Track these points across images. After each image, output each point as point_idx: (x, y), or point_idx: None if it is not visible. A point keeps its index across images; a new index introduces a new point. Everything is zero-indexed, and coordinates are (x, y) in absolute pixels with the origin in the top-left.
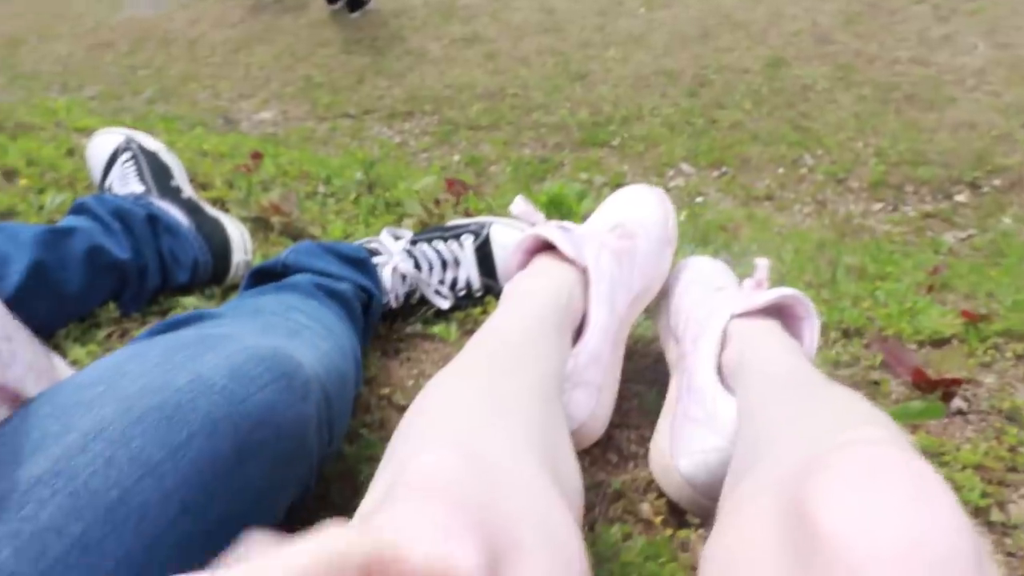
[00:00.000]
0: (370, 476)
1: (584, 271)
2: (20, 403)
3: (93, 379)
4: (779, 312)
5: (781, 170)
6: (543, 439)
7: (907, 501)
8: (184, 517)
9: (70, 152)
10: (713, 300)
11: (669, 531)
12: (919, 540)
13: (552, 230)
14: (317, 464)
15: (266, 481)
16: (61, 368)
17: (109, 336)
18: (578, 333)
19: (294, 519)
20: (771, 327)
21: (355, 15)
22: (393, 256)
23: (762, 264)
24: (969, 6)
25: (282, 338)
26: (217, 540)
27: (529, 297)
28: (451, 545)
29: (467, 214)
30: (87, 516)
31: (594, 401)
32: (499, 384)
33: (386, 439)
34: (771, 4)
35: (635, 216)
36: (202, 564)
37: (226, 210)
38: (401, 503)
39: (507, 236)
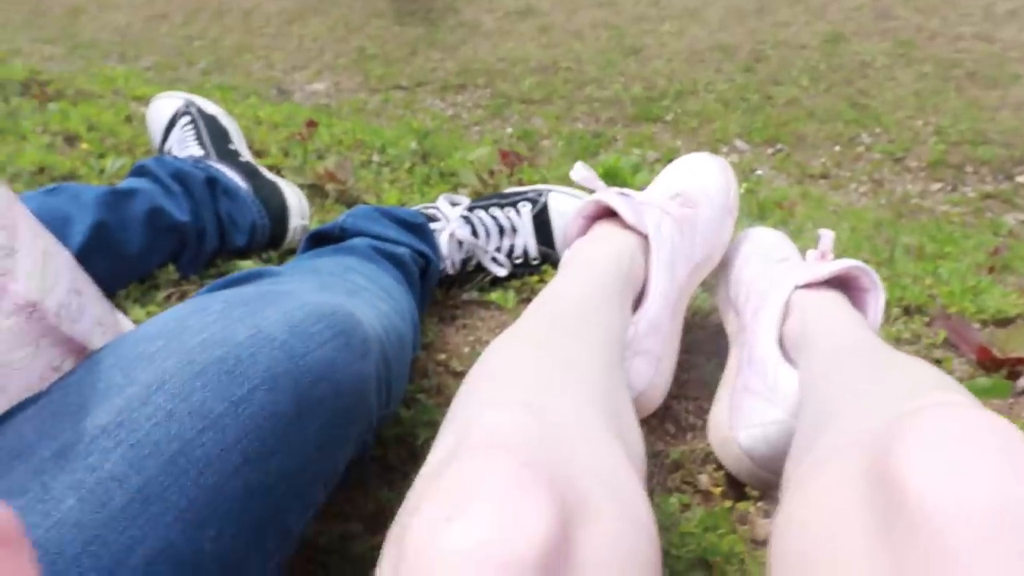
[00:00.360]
0: (428, 440)
1: (645, 238)
2: (86, 355)
3: (155, 332)
4: (843, 284)
5: (837, 148)
6: (607, 402)
7: (994, 461)
8: (244, 469)
9: (128, 119)
10: (775, 271)
11: (728, 503)
12: (1007, 499)
13: (613, 196)
14: (376, 423)
15: (325, 436)
16: (125, 324)
17: (168, 298)
18: (638, 301)
19: (352, 481)
20: (835, 299)
21: None
22: (450, 222)
23: (826, 235)
24: None
25: (341, 296)
26: (276, 493)
27: (590, 263)
28: (523, 500)
29: (520, 184)
30: (149, 467)
31: (653, 370)
32: (563, 347)
33: (443, 404)
34: None
35: (697, 184)
36: (261, 517)
37: (282, 176)
38: (469, 460)
39: (565, 204)
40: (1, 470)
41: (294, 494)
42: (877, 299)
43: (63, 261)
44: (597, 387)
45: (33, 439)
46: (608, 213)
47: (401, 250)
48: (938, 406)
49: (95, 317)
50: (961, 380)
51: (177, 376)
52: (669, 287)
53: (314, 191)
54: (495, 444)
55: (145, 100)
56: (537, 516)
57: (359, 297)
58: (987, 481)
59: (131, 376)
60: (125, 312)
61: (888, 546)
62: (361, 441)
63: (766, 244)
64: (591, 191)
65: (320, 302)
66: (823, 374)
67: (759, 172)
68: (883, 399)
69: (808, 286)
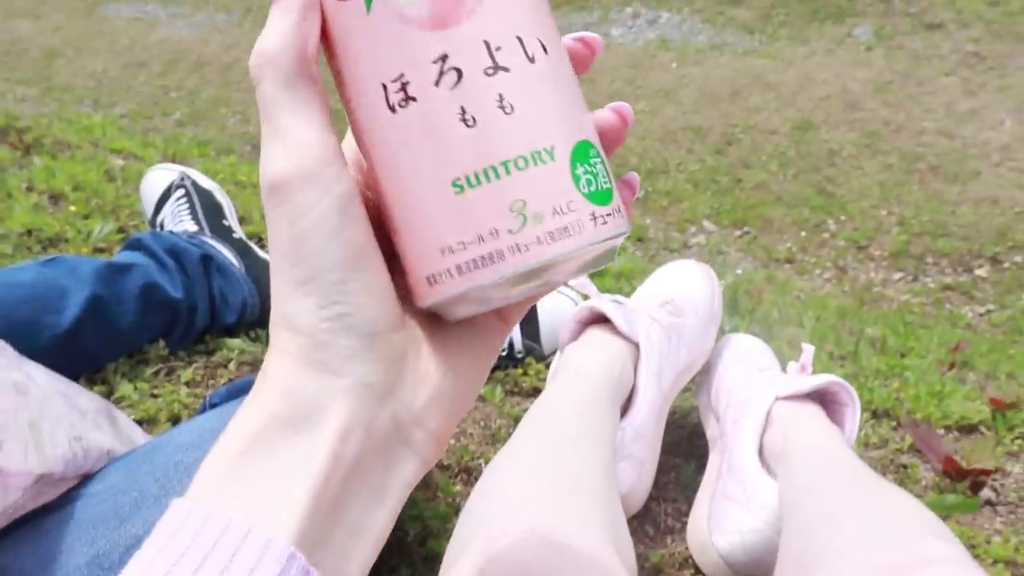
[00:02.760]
0: (416, 535)
1: (635, 345)
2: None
3: (189, 442)
4: (820, 396)
5: (803, 233)
6: (606, 516)
7: None
8: None
9: (109, 175)
10: (755, 381)
11: None
12: None
13: (607, 304)
14: None
15: None
16: (133, 432)
17: (156, 374)
18: (625, 406)
19: None
20: (815, 413)
21: None
22: None
23: (808, 350)
24: (998, 82)
25: None
26: None
27: (585, 372)
28: None
29: None
30: None
31: (636, 475)
32: (565, 464)
33: (429, 499)
34: (802, 67)
35: (684, 293)
36: None
37: (263, 246)
38: None
39: (551, 300)
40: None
41: None
42: (854, 413)
43: (55, 415)
44: (599, 501)
45: (70, 544)
46: (600, 319)
47: None
48: (934, 563)
49: (101, 450)
50: (927, 487)
51: None
52: (656, 394)
53: None
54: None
55: (124, 154)
56: None
57: None
58: None
59: (166, 487)
60: (113, 387)
61: None
62: None
63: (747, 351)
64: (582, 293)
65: None
66: (805, 492)
67: (724, 256)
68: (875, 542)
69: (789, 398)
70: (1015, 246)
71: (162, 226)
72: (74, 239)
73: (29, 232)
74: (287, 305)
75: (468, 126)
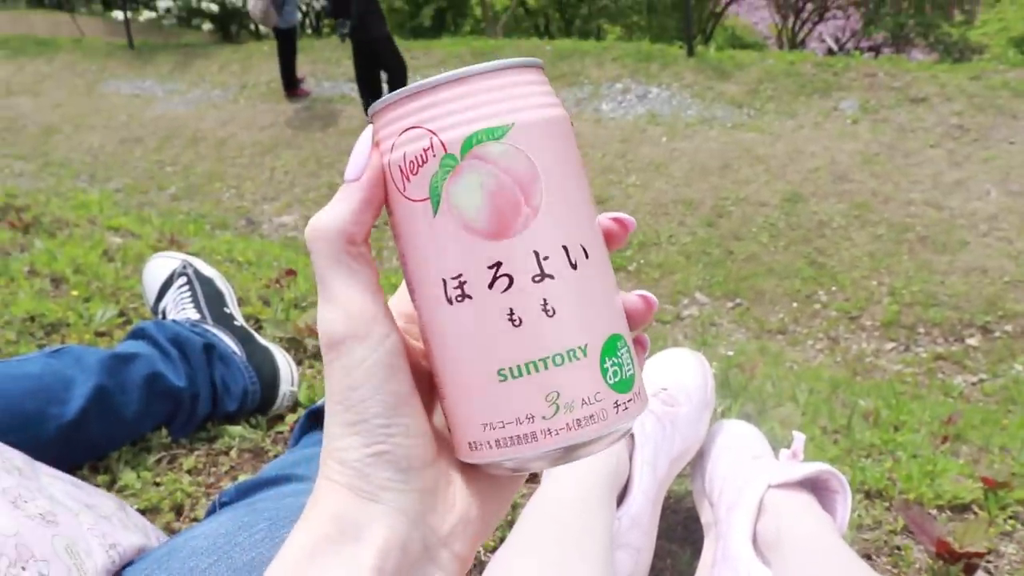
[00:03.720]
0: None
1: (630, 436)
2: None
3: (204, 548)
4: (812, 483)
5: (795, 304)
6: None
7: None
8: None
9: (108, 255)
10: (749, 468)
11: None
12: None
13: None
14: None
15: None
16: (134, 514)
17: (159, 462)
18: (621, 495)
19: None
20: (808, 502)
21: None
22: None
23: (799, 438)
24: (983, 153)
25: None
26: None
27: (584, 465)
28: None
29: None
30: None
31: (633, 563)
32: (570, 562)
33: None
34: (791, 141)
35: (678, 381)
36: None
37: (259, 328)
38: None
39: None
40: None
41: None
42: (845, 501)
43: (85, 530)
44: None
45: None
46: None
47: None
48: None
49: (134, 547)
50: (920, 570)
51: None
52: (651, 483)
53: (294, 343)
54: None
55: (121, 232)
56: None
57: None
58: None
59: None
60: (116, 475)
61: None
62: None
63: (740, 438)
64: None
65: None
66: None
67: (716, 328)
68: None
69: (781, 486)
70: (1005, 315)
71: (164, 314)
72: (76, 324)
73: (32, 318)
74: (337, 442)
75: (515, 325)
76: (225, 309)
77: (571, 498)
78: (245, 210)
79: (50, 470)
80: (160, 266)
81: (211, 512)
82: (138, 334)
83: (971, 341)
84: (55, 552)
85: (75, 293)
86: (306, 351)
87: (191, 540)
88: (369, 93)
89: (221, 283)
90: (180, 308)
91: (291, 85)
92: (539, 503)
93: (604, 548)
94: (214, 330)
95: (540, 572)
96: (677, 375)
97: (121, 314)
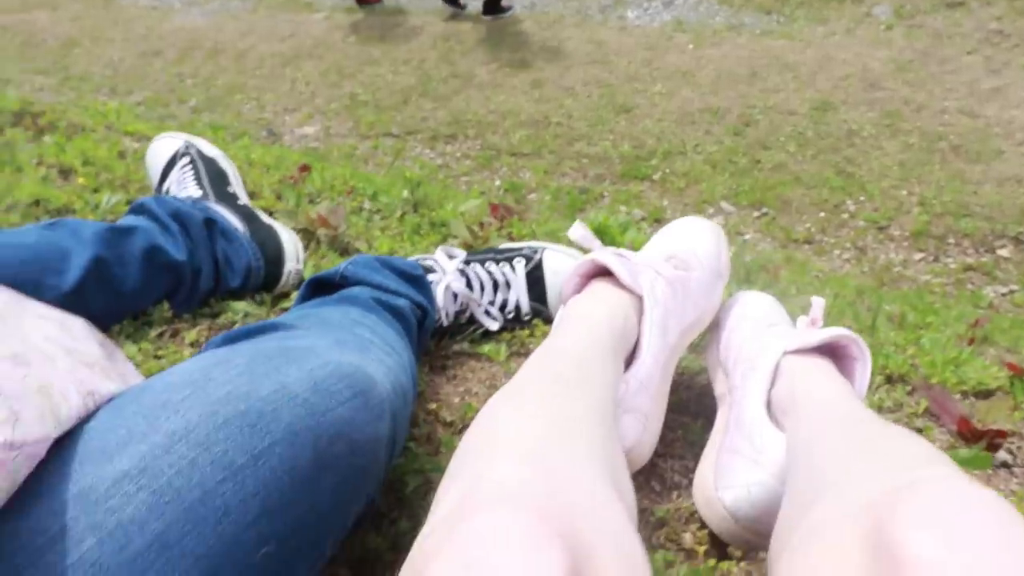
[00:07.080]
0: (417, 488)
1: (639, 298)
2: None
3: (179, 382)
4: (831, 352)
5: (822, 214)
6: (605, 458)
7: (991, 533)
8: (261, 521)
9: (121, 154)
10: (765, 336)
11: (712, 562)
12: (999, 566)
13: (609, 256)
14: (384, 478)
15: (339, 493)
16: (120, 362)
17: (161, 335)
18: (629, 358)
19: None
20: (824, 366)
21: (488, 18)
22: (447, 274)
23: (817, 302)
24: (1022, 60)
25: (356, 354)
26: (290, 546)
27: (586, 320)
28: (539, 554)
29: (510, 238)
30: (169, 514)
31: (641, 427)
32: (564, 405)
33: (432, 453)
34: (821, 48)
35: (690, 247)
36: (274, 568)
37: (275, 219)
38: (484, 513)
39: (559, 262)
40: (23, 509)
41: (307, 547)
42: (864, 368)
43: (62, 373)
44: (595, 443)
45: (56, 481)
46: (604, 272)
47: (401, 302)
48: (934, 480)
49: (108, 395)
50: (941, 449)
51: (200, 427)
52: (660, 347)
53: (305, 235)
54: (507, 498)
55: (137, 136)
56: (553, 569)
57: (370, 354)
58: (982, 551)
59: (155, 424)
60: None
61: None
62: (371, 497)
63: (756, 308)
64: (586, 250)
65: (341, 361)
66: (812, 441)
67: (746, 237)
68: (877, 471)
69: (797, 352)
70: None
71: (168, 193)
72: (82, 210)
73: (37, 203)
74: None
75: None
76: (228, 188)
77: (569, 350)
78: (266, 121)
79: (43, 309)
80: (164, 147)
81: None
82: (137, 209)
83: (1002, 252)
84: (25, 391)
85: (82, 182)
86: (318, 241)
87: (165, 376)
88: None
89: (224, 162)
90: (183, 187)
91: None
92: (535, 356)
93: (600, 401)
94: (216, 207)
95: (529, 412)
96: (689, 241)
97: (129, 203)
